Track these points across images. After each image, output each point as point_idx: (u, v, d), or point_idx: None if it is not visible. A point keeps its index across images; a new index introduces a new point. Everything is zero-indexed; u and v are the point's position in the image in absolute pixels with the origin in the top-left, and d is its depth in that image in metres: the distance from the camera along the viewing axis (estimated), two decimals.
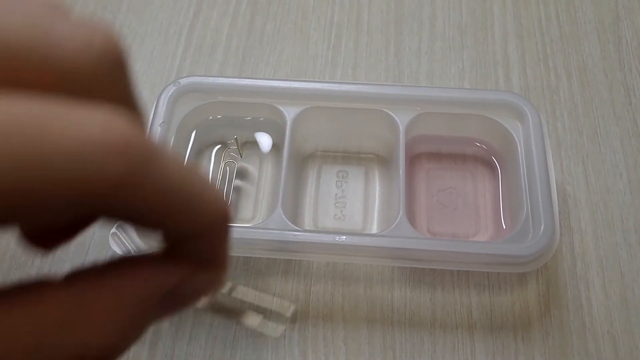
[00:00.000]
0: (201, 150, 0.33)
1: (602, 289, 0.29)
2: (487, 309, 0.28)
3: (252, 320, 0.25)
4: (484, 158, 0.32)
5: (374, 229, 0.30)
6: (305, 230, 0.30)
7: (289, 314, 0.25)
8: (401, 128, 0.30)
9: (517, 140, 0.30)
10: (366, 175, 0.32)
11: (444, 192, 0.31)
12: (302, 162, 0.32)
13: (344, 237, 0.26)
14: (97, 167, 0.11)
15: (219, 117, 0.32)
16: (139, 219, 0.13)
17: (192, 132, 0.32)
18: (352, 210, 0.31)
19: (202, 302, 0.16)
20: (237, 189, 0.32)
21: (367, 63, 0.37)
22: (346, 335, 0.28)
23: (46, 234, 0.15)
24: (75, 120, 0.11)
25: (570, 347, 0.27)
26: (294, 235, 0.27)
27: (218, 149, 0.33)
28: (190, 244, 0.14)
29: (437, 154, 0.32)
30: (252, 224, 0.31)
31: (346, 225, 0.30)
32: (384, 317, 0.28)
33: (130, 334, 0.13)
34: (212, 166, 0.32)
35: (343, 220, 0.31)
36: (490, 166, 0.32)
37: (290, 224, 0.28)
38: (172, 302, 0.14)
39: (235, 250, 0.28)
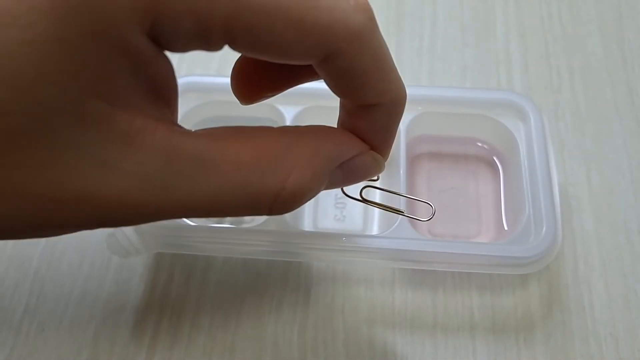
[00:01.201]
0: None
1: (604, 290, 0.28)
2: (488, 310, 0.28)
3: (400, 209, 0.25)
4: (485, 158, 0.32)
5: (375, 230, 0.30)
6: (305, 231, 0.29)
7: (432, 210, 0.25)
8: (402, 128, 0.29)
9: (519, 140, 0.29)
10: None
11: (445, 192, 0.30)
12: None
13: (344, 238, 0.26)
14: (348, 13, 0.14)
15: (217, 116, 0.32)
16: (351, 76, 0.16)
17: None
18: (352, 211, 0.31)
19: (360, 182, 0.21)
20: None
21: None
22: (346, 338, 0.28)
23: (255, 82, 0.19)
24: None
25: (573, 349, 0.27)
26: (294, 236, 0.27)
27: None
28: (369, 118, 0.17)
29: (438, 154, 0.32)
30: (251, 224, 0.30)
31: (346, 226, 0.30)
32: (385, 319, 0.28)
33: (315, 184, 0.16)
34: None
35: (343, 221, 0.30)
36: (492, 166, 0.32)
37: (290, 224, 0.27)
38: (345, 172, 0.18)
39: (234, 252, 0.28)
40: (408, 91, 0.31)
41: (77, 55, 0.12)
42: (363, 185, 0.24)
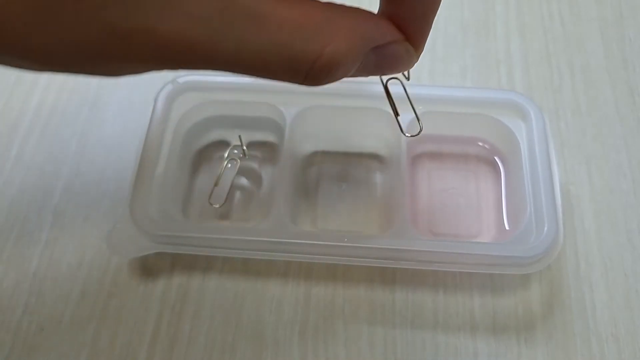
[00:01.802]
0: (200, 149, 0.33)
1: (605, 290, 0.28)
2: (489, 310, 0.28)
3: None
4: (486, 158, 0.32)
5: (375, 230, 0.30)
6: (305, 231, 0.29)
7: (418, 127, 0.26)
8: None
9: (520, 140, 0.29)
10: (367, 176, 0.32)
11: (446, 192, 0.30)
12: (302, 162, 0.32)
13: (345, 238, 0.26)
14: None
15: (217, 116, 0.32)
16: None
17: (190, 131, 0.32)
18: (353, 211, 0.31)
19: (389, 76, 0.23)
20: (237, 189, 0.31)
21: None
22: (347, 338, 0.27)
23: None
24: None
25: (574, 349, 0.27)
26: (294, 236, 0.27)
27: (221, 148, 0.33)
28: (407, 4, 0.19)
29: (439, 154, 0.32)
30: (251, 224, 0.30)
31: (347, 226, 0.30)
32: (385, 319, 0.28)
33: (349, 57, 0.17)
34: (214, 165, 0.32)
35: (344, 221, 0.30)
36: (493, 166, 0.31)
37: (290, 224, 0.27)
38: (378, 57, 0.19)
39: (235, 252, 0.28)
40: (408, 90, 0.31)
41: None
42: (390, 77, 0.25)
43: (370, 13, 0.19)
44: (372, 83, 0.31)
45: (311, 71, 0.17)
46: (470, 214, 0.30)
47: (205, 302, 0.29)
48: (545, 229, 0.26)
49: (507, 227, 0.29)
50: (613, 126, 0.33)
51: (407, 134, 0.27)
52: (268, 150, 0.33)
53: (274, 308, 0.28)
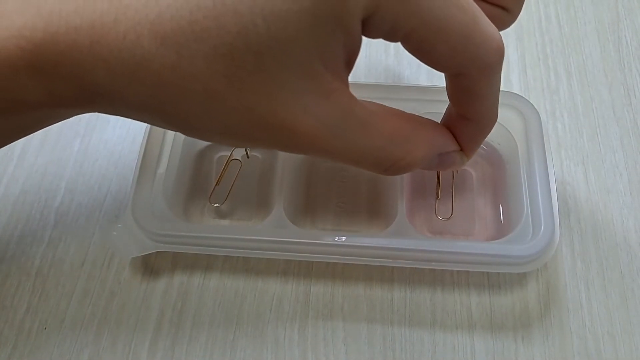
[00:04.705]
0: (201, 150, 0.33)
1: (602, 289, 0.29)
2: (487, 309, 0.28)
3: None
4: (484, 158, 0.32)
5: (374, 229, 0.30)
6: (305, 231, 0.30)
7: None
8: None
9: (517, 141, 0.30)
10: (365, 176, 0.32)
11: (443, 192, 0.31)
12: (301, 163, 0.32)
13: (344, 237, 0.26)
14: (489, 52, 0.19)
15: None
16: (467, 93, 0.21)
17: None
18: (352, 210, 0.31)
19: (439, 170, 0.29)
20: (238, 189, 0.32)
21: (366, 63, 0.37)
22: (346, 336, 0.28)
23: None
24: None
25: (570, 347, 0.27)
26: (294, 235, 0.27)
27: (221, 148, 0.33)
28: (465, 128, 0.23)
29: None
30: (252, 223, 0.31)
31: (346, 226, 0.30)
32: (384, 318, 0.28)
33: (422, 162, 0.22)
34: (215, 166, 0.33)
35: (343, 221, 0.31)
36: (490, 166, 0.32)
37: (290, 223, 0.28)
38: (440, 160, 0.23)
39: (235, 251, 0.28)
40: (407, 91, 0.31)
41: (320, 28, 0.17)
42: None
43: (441, 126, 0.23)
44: (371, 84, 0.31)
45: (391, 168, 0.21)
46: (467, 213, 0.30)
47: (206, 300, 0.29)
48: (542, 228, 0.26)
49: (504, 227, 0.30)
50: (609, 127, 0.34)
51: (439, 217, 0.30)
52: (268, 152, 0.33)
53: (274, 306, 0.29)
